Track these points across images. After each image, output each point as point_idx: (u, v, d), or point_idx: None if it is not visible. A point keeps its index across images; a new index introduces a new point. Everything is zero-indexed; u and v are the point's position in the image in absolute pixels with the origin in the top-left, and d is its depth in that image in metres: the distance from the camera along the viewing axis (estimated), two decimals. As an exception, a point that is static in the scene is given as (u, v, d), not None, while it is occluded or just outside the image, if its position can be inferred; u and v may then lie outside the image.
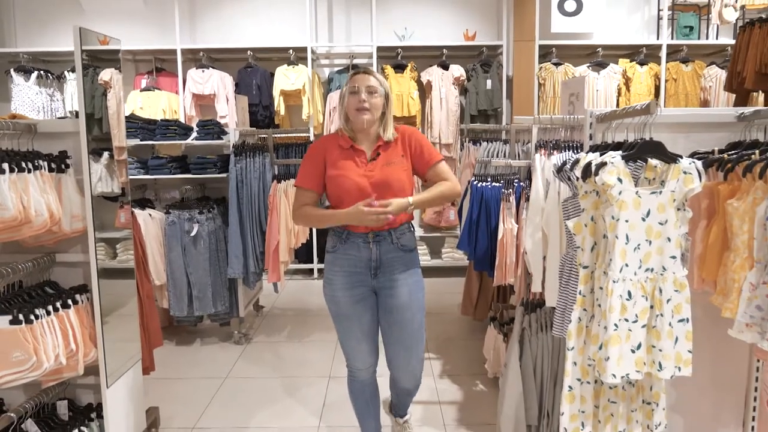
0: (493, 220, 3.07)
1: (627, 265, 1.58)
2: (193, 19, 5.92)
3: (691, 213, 1.65)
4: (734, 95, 4.38)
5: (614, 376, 1.58)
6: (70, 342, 2.07)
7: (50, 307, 2.03)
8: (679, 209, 1.61)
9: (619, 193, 1.56)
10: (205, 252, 3.83)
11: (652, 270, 1.61)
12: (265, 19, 5.90)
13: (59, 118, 4.88)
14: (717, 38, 5.83)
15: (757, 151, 1.70)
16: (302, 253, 5.65)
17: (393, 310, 2.16)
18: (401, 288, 2.14)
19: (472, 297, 4.03)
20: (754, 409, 2.14)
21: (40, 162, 2.02)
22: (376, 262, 2.13)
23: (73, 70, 5.58)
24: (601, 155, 1.65)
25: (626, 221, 1.57)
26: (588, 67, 5.56)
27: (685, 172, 1.59)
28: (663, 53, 5.57)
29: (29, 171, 1.96)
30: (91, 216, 2.12)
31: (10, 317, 1.91)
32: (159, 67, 5.79)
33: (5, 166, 1.86)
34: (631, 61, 5.62)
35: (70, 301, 2.11)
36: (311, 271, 5.84)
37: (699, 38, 5.76)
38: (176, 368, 3.61)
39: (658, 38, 5.78)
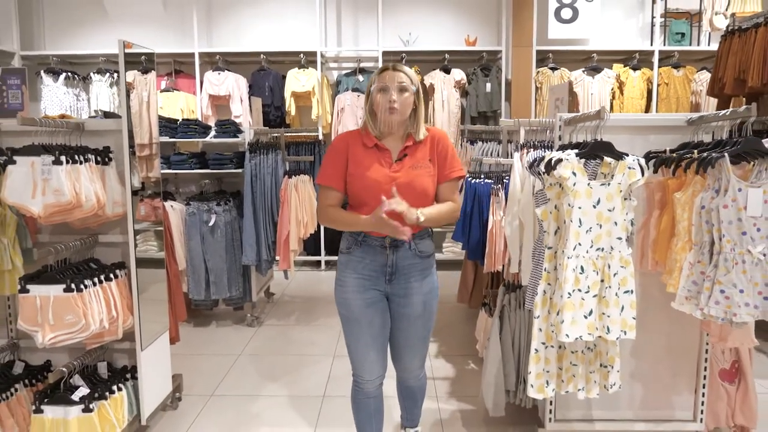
0: (485, 213, 3.38)
1: (580, 245, 1.90)
2: (210, 24, 6.28)
3: (636, 202, 1.97)
4: (717, 99, 4.66)
5: (568, 336, 1.90)
6: (111, 309, 2.41)
7: (95, 279, 2.37)
8: (625, 198, 1.93)
9: (574, 184, 1.88)
10: (221, 240, 4.17)
11: (602, 249, 1.93)
12: (277, 24, 6.25)
13: (91, 117, 5.23)
14: (709, 44, 6.09)
15: (695, 151, 2.01)
16: (310, 246, 6.00)
17: (405, 318, 2.11)
18: (416, 297, 2.08)
19: (468, 286, 4.34)
20: (705, 378, 2.44)
21: (89, 155, 2.36)
22: (391, 267, 2.05)
23: (98, 72, 5.96)
24: (563, 153, 1.96)
25: (579, 208, 1.89)
26: (583, 71, 5.85)
27: (629, 168, 1.91)
28: (655, 59, 5.86)
29: (80, 163, 2.30)
30: (130, 202, 2.47)
31: (64, 286, 2.25)
32: (178, 69, 6.15)
33: (63, 158, 2.20)
34: (624, 66, 5.90)
35: (111, 275, 2.45)
36: (319, 263, 6.18)
37: (690, 44, 6.03)
38: (195, 346, 3.95)
39: (651, 44, 6.07)
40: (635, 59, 5.90)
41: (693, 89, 5.88)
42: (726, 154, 1.83)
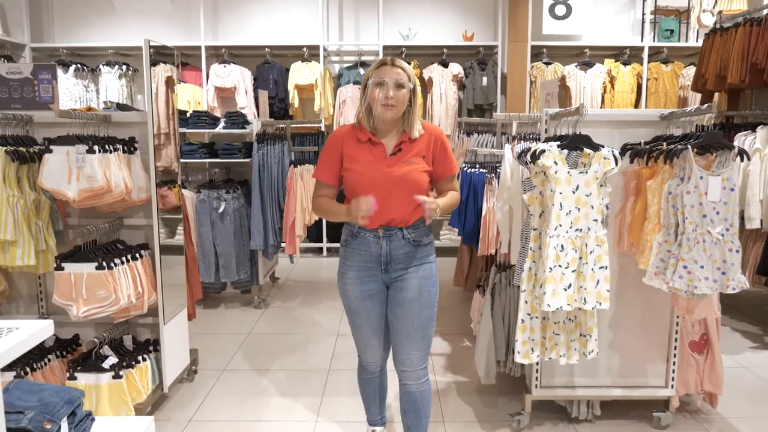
0: (479, 201, 3.62)
1: (561, 226, 2.14)
2: (216, 18, 6.48)
3: (610, 188, 2.22)
4: (701, 94, 4.90)
5: (549, 306, 2.14)
6: (138, 286, 2.65)
7: (123, 258, 2.60)
8: (601, 185, 2.17)
9: (555, 172, 2.12)
10: (230, 226, 4.41)
11: (580, 230, 2.17)
12: (281, 18, 6.46)
13: (105, 109, 5.45)
14: (697, 41, 6.31)
15: (665, 143, 2.25)
16: (313, 233, 6.23)
17: (401, 303, 2.11)
18: (411, 281, 2.11)
19: (463, 270, 4.59)
20: (675, 348, 2.70)
21: (117, 145, 2.59)
22: (386, 257, 2.10)
23: (107, 64, 6.16)
24: (546, 145, 2.20)
25: (560, 193, 2.13)
26: (576, 66, 6.08)
27: (605, 158, 2.15)
28: (645, 54, 6.09)
29: (110, 152, 2.52)
30: (154, 189, 2.70)
31: (96, 264, 2.49)
32: (184, 62, 6.36)
33: (96, 147, 2.43)
34: (615, 61, 6.13)
35: (137, 255, 2.69)
36: (320, 249, 6.42)
37: (679, 41, 6.26)
38: (205, 326, 4.19)
39: (641, 40, 6.29)
40: (626, 55, 6.13)
41: (681, 84, 6.12)
42: (689, 146, 2.07)
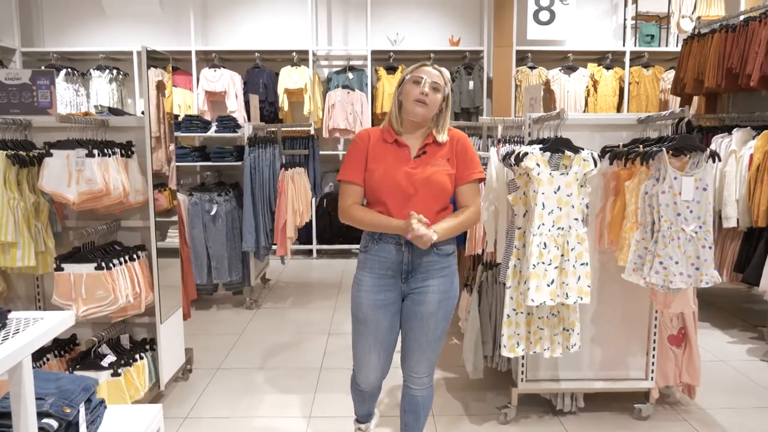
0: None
1: (543, 224, 2.25)
2: (206, 22, 6.55)
3: (590, 188, 2.33)
4: (680, 98, 5.07)
5: (533, 301, 2.25)
6: (135, 286, 2.72)
7: (121, 259, 2.67)
8: (581, 186, 2.29)
9: (538, 174, 2.24)
10: (222, 229, 4.48)
11: (562, 228, 2.29)
12: (271, 23, 6.54)
13: (98, 112, 5.50)
14: (677, 45, 6.49)
15: (641, 145, 2.37)
16: (303, 235, 6.31)
17: (417, 315, 2.05)
18: (431, 295, 2.04)
19: (451, 270, 4.70)
20: (655, 342, 2.82)
21: (115, 149, 2.66)
22: (408, 265, 2.03)
23: (97, 68, 6.21)
24: (529, 147, 2.31)
25: (543, 193, 2.24)
26: (560, 70, 6.22)
27: (584, 160, 2.27)
28: (627, 59, 6.25)
29: (109, 156, 2.60)
30: (151, 192, 2.77)
31: (95, 264, 2.56)
32: (174, 66, 6.41)
33: (95, 151, 2.50)
34: (598, 66, 6.29)
35: (135, 256, 2.76)
36: (310, 251, 6.50)
37: (659, 45, 6.44)
38: (199, 326, 4.25)
39: (623, 45, 6.46)
40: (608, 59, 6.29)
41: (661, 87, 6.29)
42: (664, 148, 2.20)
